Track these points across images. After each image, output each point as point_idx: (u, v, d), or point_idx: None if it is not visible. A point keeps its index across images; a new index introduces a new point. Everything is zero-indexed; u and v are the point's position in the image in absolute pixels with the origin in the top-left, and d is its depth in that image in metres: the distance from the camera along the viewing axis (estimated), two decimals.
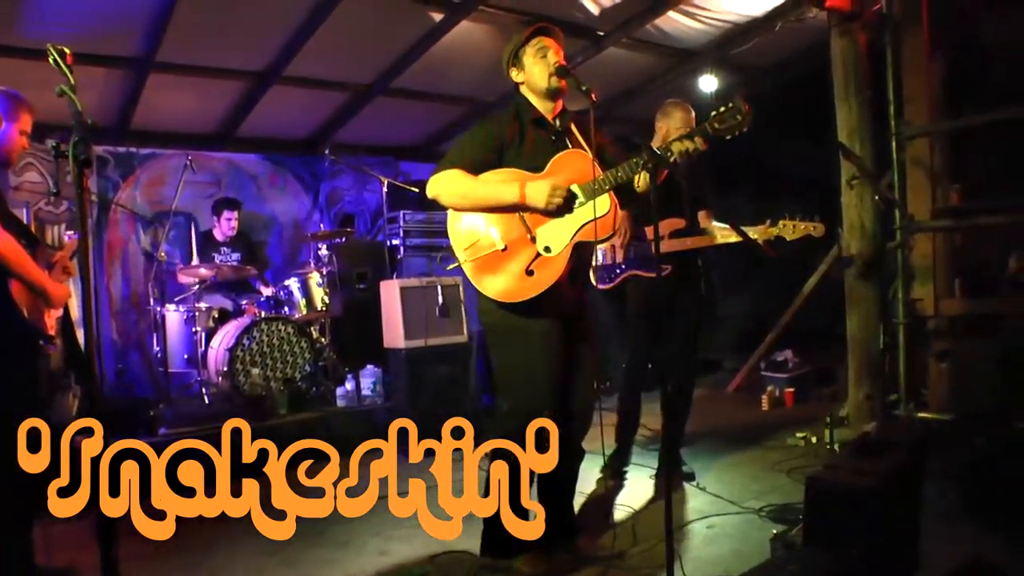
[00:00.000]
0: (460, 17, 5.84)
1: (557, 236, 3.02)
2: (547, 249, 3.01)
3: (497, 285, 3.03)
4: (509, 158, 3.13)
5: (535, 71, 3.15)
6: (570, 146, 3.20)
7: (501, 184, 3.03)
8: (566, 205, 2.99)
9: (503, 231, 3.05)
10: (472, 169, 3.07)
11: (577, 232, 3.02)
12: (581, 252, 3.13)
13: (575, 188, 3.03)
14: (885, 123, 5.16)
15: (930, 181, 5.21)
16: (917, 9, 5.15)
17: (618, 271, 4.61)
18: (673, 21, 6.35)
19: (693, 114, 4.37)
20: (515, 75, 3.27)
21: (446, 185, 3.09)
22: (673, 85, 7.55)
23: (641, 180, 3.08)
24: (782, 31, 6.29)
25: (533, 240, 3.02)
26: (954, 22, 5.68)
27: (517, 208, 3.02)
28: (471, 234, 3.09)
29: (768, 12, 6.33)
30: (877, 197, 5.06)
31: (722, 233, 4.41)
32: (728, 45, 6.81)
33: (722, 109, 2.89)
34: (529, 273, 2.99)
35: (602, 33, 6.52)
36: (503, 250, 3.03)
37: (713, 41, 6.86)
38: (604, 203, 3.02)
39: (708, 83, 7.06)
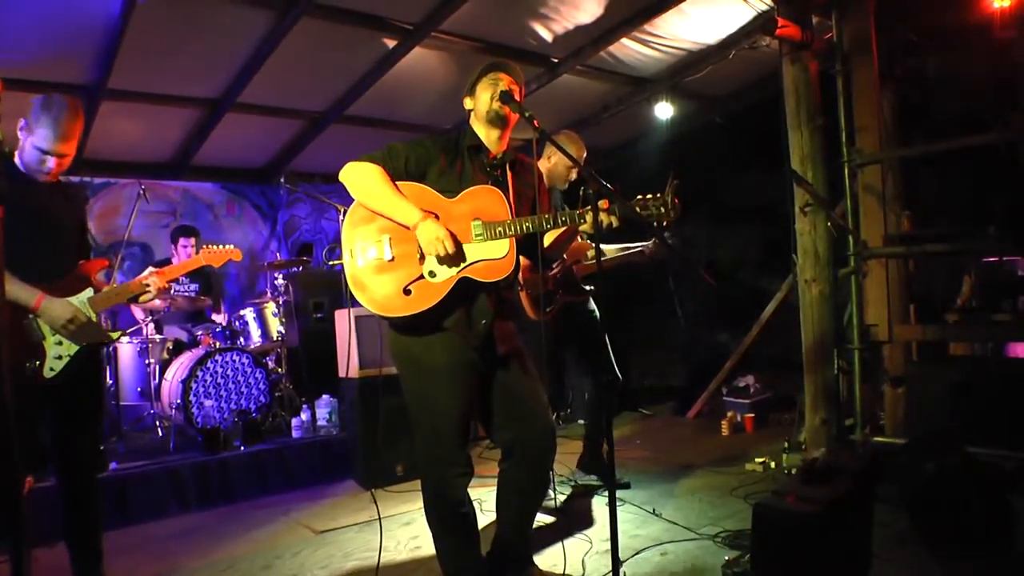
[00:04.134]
0: (413, 44, 5.83)
1: (444, 264, 2.95)
2: (431, 274, 2.92)
3: (371, 294, 2.94)
4: (431, 177, 3.08)
5: (482, 98, 3.14)
6: (508, 183, 3.17)
7: (406, 203, 2.95)
8: (451, 259, 2.90)
9: (396, 242, 2.97)
10: (393, 172, 3.03)
11: (466, 267, 2.95)
12: (479, 289, 3.03)
13: (477, 224, 2.97)
14: (837, 151, 5.20)
15: (882, 208, 5.25)
16: (867, 40, 5.21)
17: (555, 298, 4.88)
18: (627, 48, 6.40)
19: (584, 151, 4.77)
20: (467, 103, 3.26)
21: (360, 176, 3.02)
22: (629, 113, 7.61)
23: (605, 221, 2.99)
24: (736, 59, 6.35)
25: (421, 260, 2.95)
26: (901, 54, 5.79)
27: (409, 230, 2.95)
28: (365, 235, 3.00)
29: (721, 40, 6.40)
30: (830, 224, 5.09)
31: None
32: (682, 73, 6.86)
33: (649, 196, 2.86)
34: (406, 292, 2.91)
35: (556, 60, 6.54)
36: (390, 260, 2.96)
37: (667, 68, 6.92)
38: (501, 247, 2.97)
39: (663, 110, 7.10)
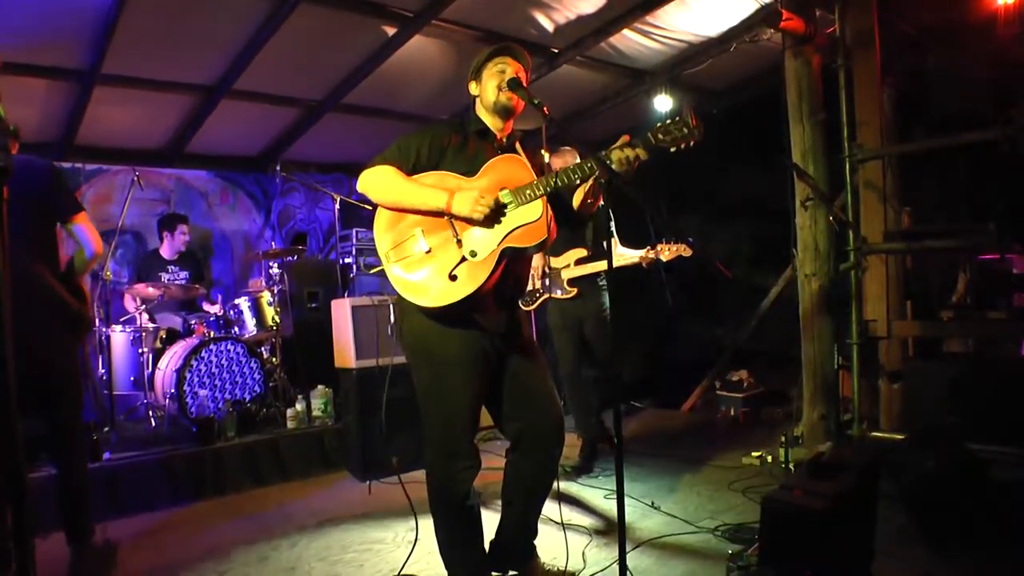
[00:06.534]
0: (413, 32, 5.76)
1: (484, 241, 2.91)
2: (472, 254, 2.89)
3: (420, 290, 2.92)
4: (446, 163, 3.05)
5: (489, 85, 3.10)
6: (523, 155, 3.13)
7: (430, 189, 2.93)
8: (494, 215, 2.88)
9: (429, 233, 2.95)
10: (407, 168, 3.00)
11: (505, 237, 2.91)
12: (515, 264, 3.02)
13: (506, 193, 2.94)
14: (838, 145, 5.19)
15: (882, 204, 5.24)
16: (869, 35, 5.19)
17: (537, 295, 5.51)
18: (628, 40, 6.34)
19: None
20: (473, 88, 3.22)
21: (377, 180, 3.01)
22: (627, 105, 7.57)
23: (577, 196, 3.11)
24: (735, 53, 6.30)
25: (459, 244, 2.92)
26: (902, 49, 5.78)
27: (443, 214, 2.93)
28: (397, 235, 2.99)
29: (723, 33, 6.35)
30: (831, 217, 5.08)
31: (620, 258, 5.22)
32: (682, 65, 6.80)
33: (667, 121, 2.77)
34: (452, 278, 2.88)
35: (556, 50, 6.50)
36: (427, 252, 2.93)
37: (667, 61, 6.86)
38: (535, 209, 2.93)
39: (663, 103, 7.06)
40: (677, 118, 2.74)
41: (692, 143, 2.74)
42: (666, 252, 4.95)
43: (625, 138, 2.79)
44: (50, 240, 3.75)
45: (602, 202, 3.19)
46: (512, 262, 2.99)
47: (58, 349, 3.73)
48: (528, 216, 2.92)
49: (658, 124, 2.77)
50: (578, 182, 2.94)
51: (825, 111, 5.26)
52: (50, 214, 3.74)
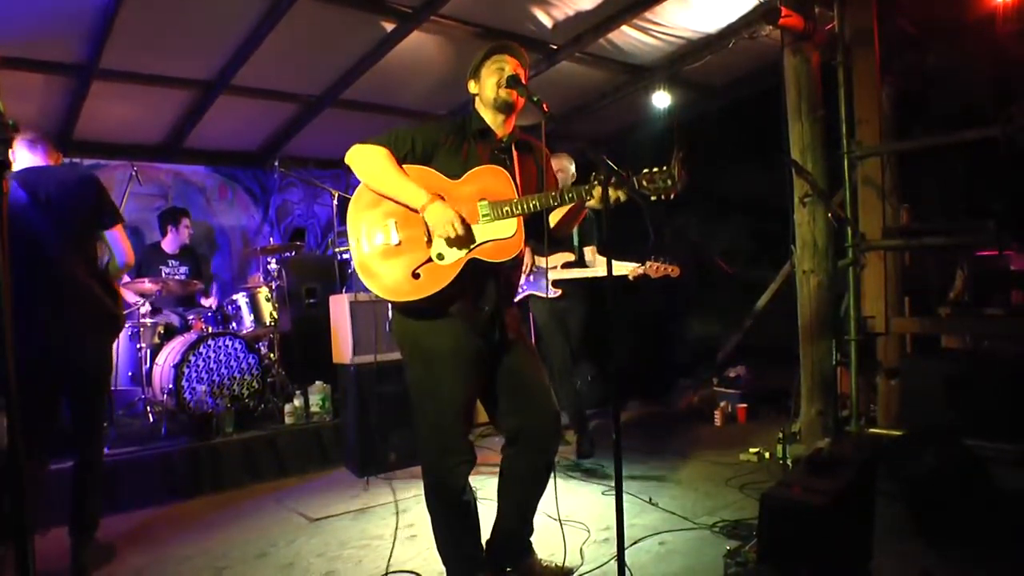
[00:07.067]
0: (411, 27, 5.75)
1: (454, 247, 2.93)
2: (440, 256, 2.90)
3: (380, 280, 2.92)
4: (437, 161, 3.04)
5: (488, 83, 3.09)
6: (515, 165, 3.12)
7: (413, 186, 2.91)
8: (460, 240, 2.87)
9: (402, 226, 2.95)
10: (399, 154, 3.00)
11: (475, 248, 2.92)
12: (487, 272, 3.00)
13: (484, 204, 2.94)
14: (837, 142, 5.18)
15: (881, 200, 5.24)
16: (868, 32, 5.19)
17: (519, 292, 5.32)
18: (626, 36, 6.33)
19: (572, 168, 5.59)
20: (472, 87, 3.21)
21: (366, 157, 2.99)
22: (626, 101, 7.57)
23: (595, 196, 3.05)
24: (736, 49, 6.29)
25: (429, 243, 2.92)
26: (902, 47, 5.78)
27: (417, 212, 2.93)
28: (371, 220, 2.99)
29: (722, 29, 6.34)
30: (830, 215, 5.07)
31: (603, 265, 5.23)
32: (681, 61, 6.79)
33: (655, 169, 2.77)
34: (415, 276, 2.89)
35: (555, 47, 6.49)
36: (397, 245, 2.93)
37: (666, 57, 6.84)
38: (510, 226, 2.94)
39: (661, 99, 7.05)
40: (664, 168, 2.76)
41: (673, 196, 2.76)
42: (654, 271, 5.08)
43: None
44: (93, 246, 3.95)
45: (589, 210, 3.21)
46: (491, 272, 3.00)
47: (100, 348, 4.00)
48: (502, 232, 2.94)
49: (644, 171, 2.78)
50: (555, 205, 2.97)
51: (824, 108, 5.25)
52: (94, 222, 3.94)
